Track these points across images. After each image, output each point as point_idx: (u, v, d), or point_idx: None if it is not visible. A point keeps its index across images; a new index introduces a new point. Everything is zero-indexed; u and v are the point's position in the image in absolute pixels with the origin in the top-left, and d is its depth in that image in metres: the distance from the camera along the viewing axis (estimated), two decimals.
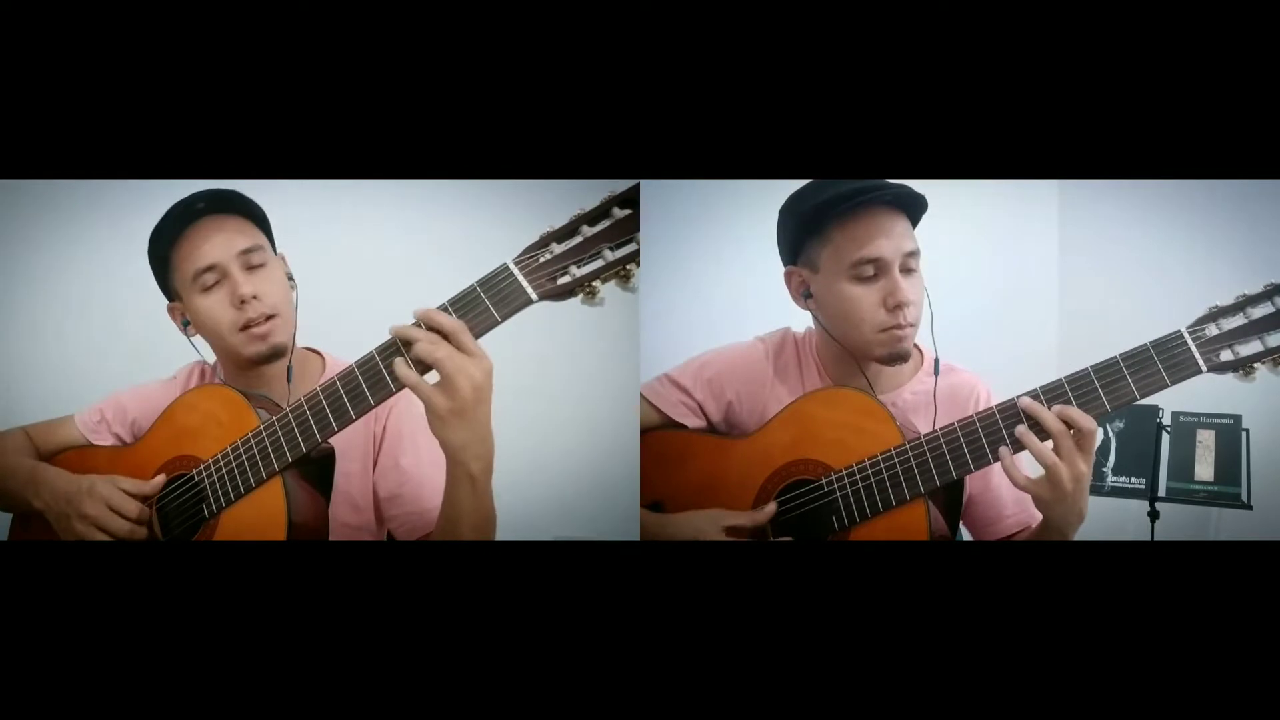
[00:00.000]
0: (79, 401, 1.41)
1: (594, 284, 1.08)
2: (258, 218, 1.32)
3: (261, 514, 1.15)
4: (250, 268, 1.28)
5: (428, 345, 1.06)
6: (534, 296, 1.08)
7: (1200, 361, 1.09)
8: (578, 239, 1.08)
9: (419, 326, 1.08)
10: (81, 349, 1.83)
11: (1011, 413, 1.14)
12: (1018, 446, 1.14)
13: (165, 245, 1.30)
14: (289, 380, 1.30)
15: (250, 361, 1.29)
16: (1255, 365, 1.09)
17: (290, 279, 1.35)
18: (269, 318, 1.27)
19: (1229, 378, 1.11)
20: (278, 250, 1.36)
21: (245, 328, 1.27)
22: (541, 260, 1.08)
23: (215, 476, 1.18)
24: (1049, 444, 1.12)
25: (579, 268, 1.08)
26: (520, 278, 1.08)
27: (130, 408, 1.38)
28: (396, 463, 1.31)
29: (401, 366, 1.07)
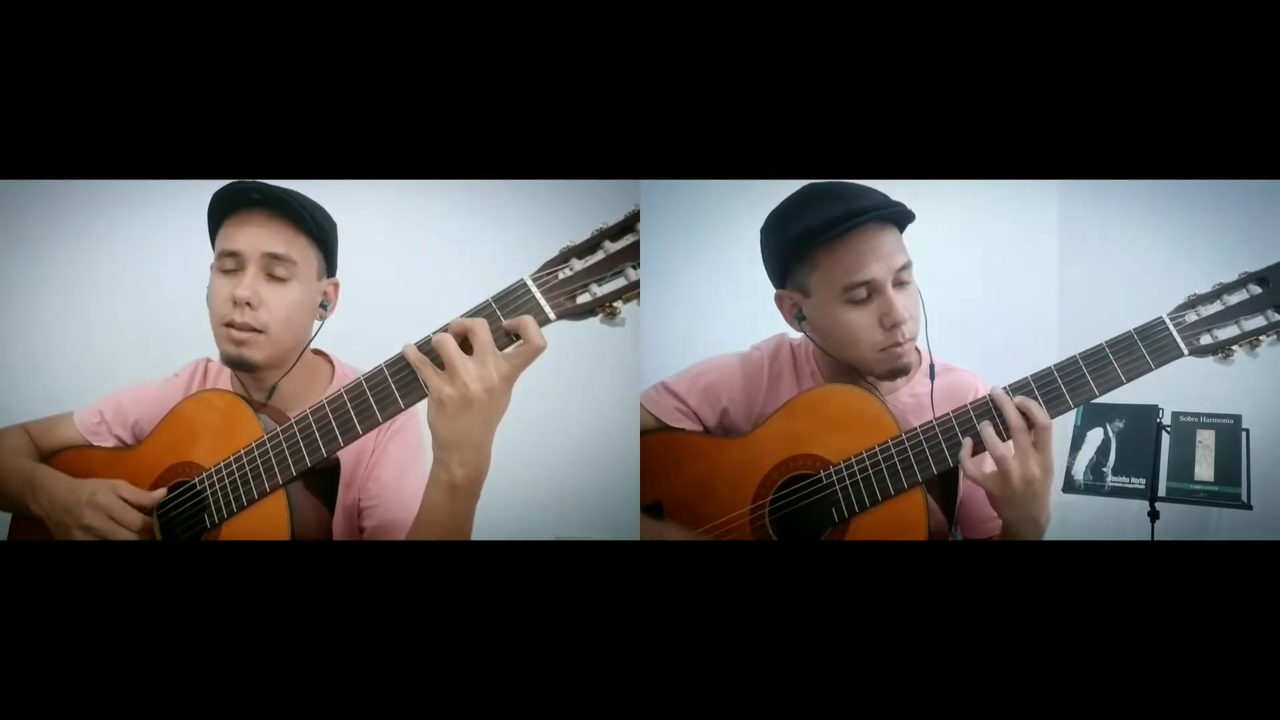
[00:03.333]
0: (80, 399, 1.40)
1: (615, 304, 1.03)
2: (317, 238, 1.28)
3: (264, 527, 1.13)
4: (270, 275, 1.24)
5: (445, 346, 1.03)
6: (552, 316, 1.04)
7: (1182, 345, 1.15)
8: (600, 255, 1.04)
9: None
10: (83, 347, 1.83)
11: (984, 406, 1.17)
12: (980, 440, 1.15)
13: (217, 217, 1.27)
14: (269, 395, 1.28)
15: (222, 358, 1.27)
16: (1233, 348, 1.15)
17: (323, 307, 1.31)
18: (254, 330, 1.23)
19: (1222, 372, 1.16)
20: (334, 275, 1.33)
21: (228, 325, 1.24)
22: (561, 277, 1.04)
23: (218, 486, 1.16)
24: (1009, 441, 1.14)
25: (600, 286, 1.04)
26: (538, 295, 1.04)
27: (130, 409, 1.36)
28: (379, 475, 1.29)
29: (411, 349, 1.04)
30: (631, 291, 1.03)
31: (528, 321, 1.03)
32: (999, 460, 1.13)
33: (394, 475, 1.28)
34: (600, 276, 1.03)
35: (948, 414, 1.19)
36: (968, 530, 1.35)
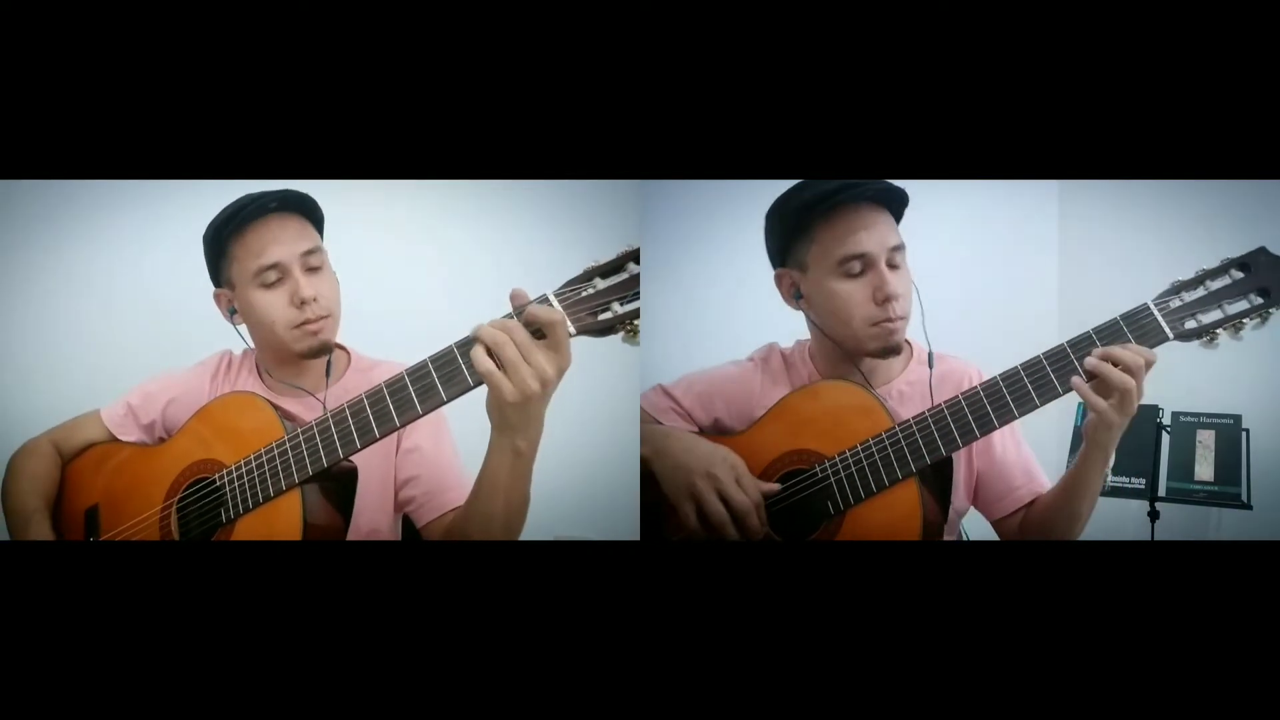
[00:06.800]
0: (100, 399, 1.41)
1: (636, 322, 1.04)
2: (318, 220, 1.35)
3: (277, 523, 1.15)
4: (310, 269, 1.31)
5: (506, 346, 1.03)
6: (572, 330, 1.04)
7: (1167, 329, 1.16)
8: (624, 275, 1.05)
9: (512, 317, 1.05)
10: (99, 347, 1.84)
11: (1062, 357, 1.17)
12: (1090, 377, 1.16)
13: (227, 235, 1.31)
14: (327, 374, 1.33)
15: (297, 356, 1.32)
16: (1218, 331, 1.16)
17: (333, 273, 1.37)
18: (323, 318, 1.30)
19: (1223, 372, 1.18)
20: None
21: (301, 325, 1.29)
22: (584, 294, 1.04)
23: (236, 483, 1.18)
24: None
25: (622, 305, 1.04)
26: (559, 310, 1.04)
27: (159, 395, 1.39)
28: (416, 444, 1.33)
29: (479, 354, 1.04)
30: None
31: (534, 309, 1.03)
32: (1121, 389, 1.14)
33: (431, 443, 1.33)
34: (623, 296, 1.04)
35: (939, 405, 1.20)
36: (989, 510, 1.37)
